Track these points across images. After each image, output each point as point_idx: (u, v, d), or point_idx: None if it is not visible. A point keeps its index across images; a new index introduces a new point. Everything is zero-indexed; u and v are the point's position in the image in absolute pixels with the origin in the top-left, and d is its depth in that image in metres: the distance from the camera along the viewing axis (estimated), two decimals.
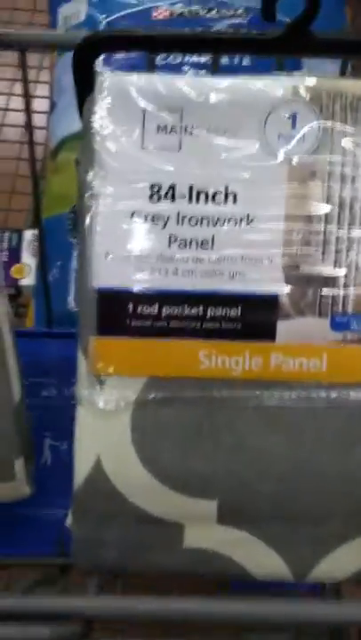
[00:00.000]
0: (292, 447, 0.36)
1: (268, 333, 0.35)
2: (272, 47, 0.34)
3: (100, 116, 0.36)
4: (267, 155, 0.35)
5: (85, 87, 0.37)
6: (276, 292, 0.35)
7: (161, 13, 0.72)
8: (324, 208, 0.35)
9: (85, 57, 0.37)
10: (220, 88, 0.35)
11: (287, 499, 0.36)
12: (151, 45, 0.36)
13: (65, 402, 0.50)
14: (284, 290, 0.35)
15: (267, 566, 0.37)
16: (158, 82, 0.36)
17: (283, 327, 0.35)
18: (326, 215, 0.35)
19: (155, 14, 0.72)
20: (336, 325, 0.35)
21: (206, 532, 0.37)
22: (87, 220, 0.36)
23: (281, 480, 0.36)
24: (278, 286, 0.35)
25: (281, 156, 0.34)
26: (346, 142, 0.34)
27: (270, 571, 0.37)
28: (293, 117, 0.34)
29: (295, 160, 0.34)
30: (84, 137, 0.37)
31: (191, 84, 0.35)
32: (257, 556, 0.37)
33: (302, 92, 0.34)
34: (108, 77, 0.36)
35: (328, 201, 0.35)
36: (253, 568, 0.37)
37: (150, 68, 0.38)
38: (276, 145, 0.34)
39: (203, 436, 0.36)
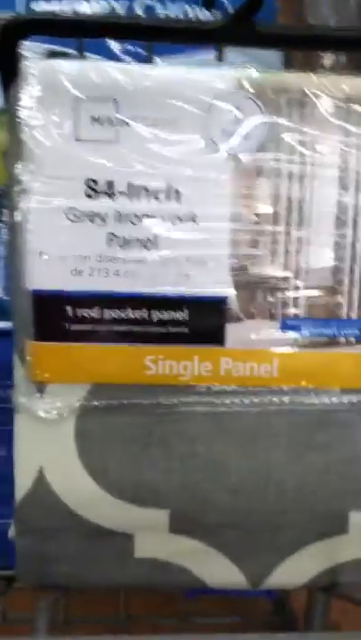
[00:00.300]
0: (246, 454, 0.35)
1: (216, 337, 0.34)
2: (214, 37, 0.32)
3: (29, 106, 0.33)
4: (210, 150, 0.33)
5: (10, 72, 0.35)
6: (224, 294, 0.34)
7: None
8: (271, 208, 0.33)
9: (8, 40, 0.35)
10: (159, 77, 0.33)
11: (241, 507, 0.35)
12: (82, 31, 0.34)
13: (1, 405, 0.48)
14: (232, 292, 0.34)
15: (222, 575, 0.36)
16: (91, 69, 0.33)
17: (232, 331, 0.34)
18: (274, 215, 0.33)
19: None
20: (287, 329, 0.34)
21: (158, 542, 0.36)
22: (18, 217, 0.34)
23: (235, 488, 0.35)
24: (226, 289, 0.34)
25: (225, 153, 0.33)
26: (292, 139, 0.33)
27: (225, 579, 0.36)
28: (237, 112, 0.33)
29: (240, 157, 0.33)
30: (10, 127, 0.34)
31: (127, 72, 0.33)
32: (211, 565, 0.36)
33: (246, 85, 0.33)
34: (35, 64, 0.33)
35: (276, 200, 0.33)
36: (208, 577, 0.36)
37: (81, 53, 0.36)
38: (219, 140, 0.33)
39: (152, 444, 0.35)
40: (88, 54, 0.45)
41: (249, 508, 0.35)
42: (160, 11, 0.65)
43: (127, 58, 0.57)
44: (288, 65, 0.35)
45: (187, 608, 0.58)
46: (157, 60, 0.50)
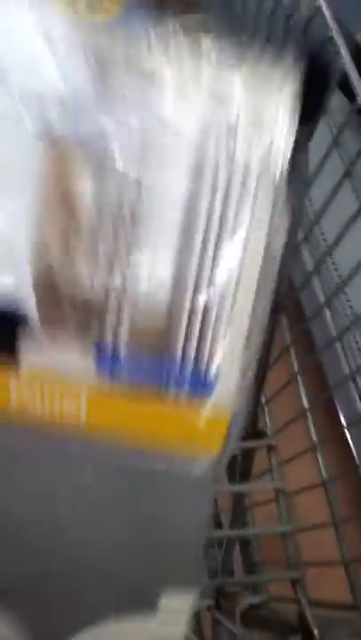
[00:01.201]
0: (39, 510, 0.26)
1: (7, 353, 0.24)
2: None
3: None
4: None
5: None
6: (20, 297, 0.23)
7: None
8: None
9: None
10: None
11: (35, 572, 0.27)
12: None
13: None
14: (31, 298, 0.23)
15: None
16: None
17: (30, 351, 0.24)
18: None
19: None
20: (104, 363, 0.24)
21: None
22: None
23: (25, 552, 0.27)
24: (23, 290, 0.23)
25: None
26: None
27: None
28: None
29: None
30: None
31: None
32: None
33: None
34: None
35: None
36: None
37: None
38: None
39: None
40: None
41: (42, 573, 0.27)
42: None
43: None
44: None
45: None
46: None
